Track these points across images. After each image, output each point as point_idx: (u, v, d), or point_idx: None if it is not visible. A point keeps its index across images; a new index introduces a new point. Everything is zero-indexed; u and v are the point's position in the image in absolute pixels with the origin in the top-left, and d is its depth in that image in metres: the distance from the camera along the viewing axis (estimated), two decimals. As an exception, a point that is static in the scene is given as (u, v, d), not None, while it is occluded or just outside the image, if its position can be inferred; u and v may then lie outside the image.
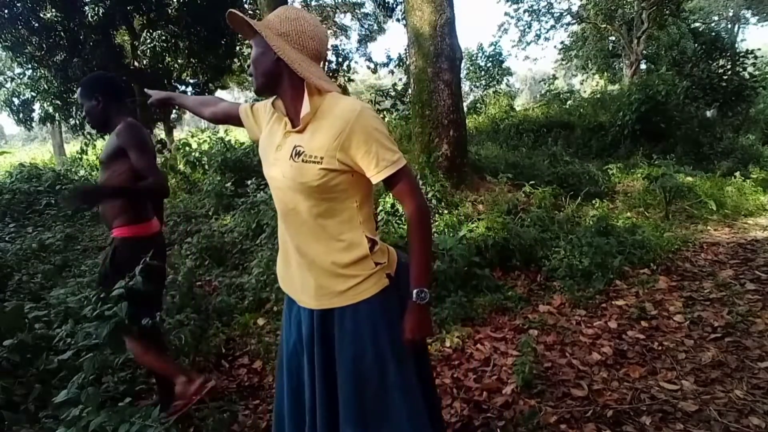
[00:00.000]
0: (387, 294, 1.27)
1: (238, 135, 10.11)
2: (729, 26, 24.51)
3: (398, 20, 15.26)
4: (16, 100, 13.01)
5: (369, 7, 18.39)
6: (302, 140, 1.20)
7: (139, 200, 2.09)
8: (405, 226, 4.28)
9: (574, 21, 19.99)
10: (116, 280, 1.87)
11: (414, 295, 1.22)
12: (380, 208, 4.48)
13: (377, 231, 4.19)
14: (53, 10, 10.40)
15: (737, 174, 6.43)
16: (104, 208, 2.09)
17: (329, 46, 1.42)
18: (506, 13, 20.56)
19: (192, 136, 8.44)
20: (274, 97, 1.32)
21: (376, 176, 1.18)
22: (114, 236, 2.07)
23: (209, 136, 8.19)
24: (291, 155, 1.19)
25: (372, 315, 1.25)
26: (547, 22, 20.36)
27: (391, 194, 4.58)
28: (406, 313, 1.25)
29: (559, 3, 24.69)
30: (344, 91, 16.69)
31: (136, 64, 12.15)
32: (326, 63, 16.00)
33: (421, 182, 4.73)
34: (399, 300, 1.30)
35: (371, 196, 1.31)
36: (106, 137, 2.18)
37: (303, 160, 1.17)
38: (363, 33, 19.22)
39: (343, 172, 1.18)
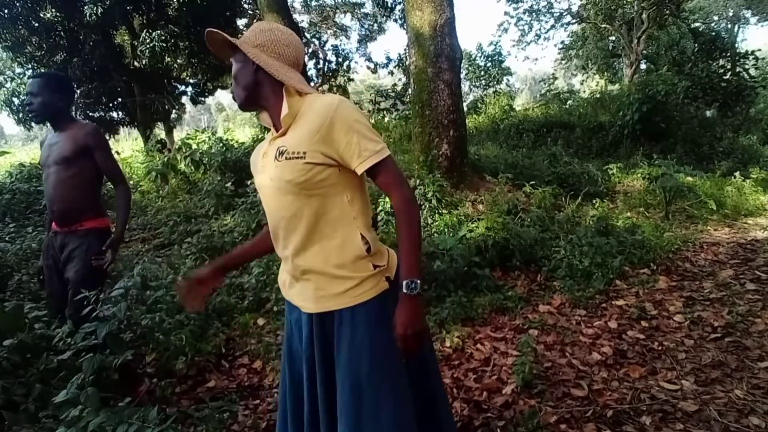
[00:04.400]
0: (386, 298, 1.25)
1: (238, 135, 10.11)
2: (729, 26, 24.50)
3: (397, 20, 15.25)
4: (16, 100, 13.01)
5: (369, 7, 18.39)
6: (285, 141, 1.22)
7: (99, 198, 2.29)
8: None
9: (574, 21, 20.00)
10: (99, 272, 2.10)
11: (404, 286, 1.18)
12: (380, 208, 4.48)
13: (377, 232, 4.18)
14: (53, 10, 10.41)
15: (737, 174, 6.42)
16: (68, 203, 2.16)
17: (308, 52, 1.39)
18: (506, 13, 20.65)
19: (191, 138, 8.41)
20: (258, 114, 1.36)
21: (359, 167, 1.18)
22: (86, 228, 2.19)
23: (209, 136, 8.18)
24: (275, 157, 1.22)
25: (370, 319, 1.23)
26: (547, 21, 20.39)
27: (388, 198, 4.60)
28: (397, 307, 1.20)
29: (559, 3, 24.76)
30: (344, 91, 16.70)
31: (135, 64, 12.16)
32: (325, 65, 15.99)
33: (420, 182, 4.73)
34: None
35: (364, 192, 1.29)
36: (47, 135, 2.28)
37: (286, 158, 1.19)
38: (363, 33, 19.22)
39: (329, 165, 1.19)
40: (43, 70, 2.41)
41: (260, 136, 8.31)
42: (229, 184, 5.67)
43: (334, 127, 1.16)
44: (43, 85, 2.14)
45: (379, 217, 4.46)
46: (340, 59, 16.50)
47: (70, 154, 2.14)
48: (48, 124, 2.25)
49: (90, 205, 2.23)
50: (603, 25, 17.75)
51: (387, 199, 4.52)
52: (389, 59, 16.65)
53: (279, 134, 1.24)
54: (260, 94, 1.26)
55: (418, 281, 1.18)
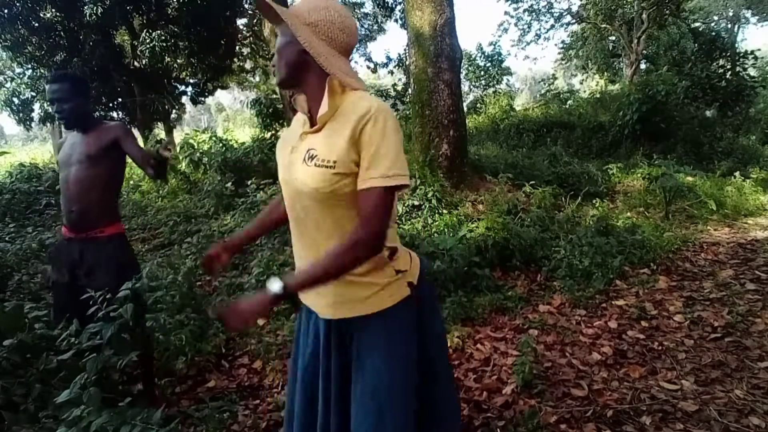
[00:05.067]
0: (408, 305, 1.20)
1: (237, 135, 10.10)
2: (729, 26, 24.49)
3: (397, 20, 15.25)
4: (16, 100, 13.01)
5: (369, 7, 18.40)
6: (317, 142, 1.11)
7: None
8: (405, 226, 4.28)
9: (574, 21, 19.99)
10: (126, 277, 1.96)
11: (275, 283, 1.08)
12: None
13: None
14: (53, 10, 10.41)
15: (737, 174, 6.43)
16: (88, 204, 2.07)
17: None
18: (506, 13, 20.63)
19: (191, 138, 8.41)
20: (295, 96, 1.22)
21: (361, 182, 1.05)
22: (107, 235, 2.10)
23: (209, 137, 8.18)
24: (304, 159, 1.11)
25: (391, 327, 1.17)
26: (547, 21, 20.38)
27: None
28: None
29: (559, 3, 24.75)
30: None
31: (135, 64, 12.16)
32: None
33: (420, 182, 4.72)
34: (418, 311, 1.23)
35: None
36: (66, 136, 2.22)
37: (316, 164, 1.08)
38: (363, 33, 19.20)
39: (357, 175, 1.08)
40: (62, 72, 2.24)
41: (260, 136, 8.29)
42: (229, 184, 5.67)
43: (365, 133, 1.04)
44: (73, 91, 2.06)
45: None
46: (340, 59, 16.48)
47: (95, 152, 2.07)
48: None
49: (109, 208, 2.14)
50: (603, 25, 17.75)
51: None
52: (389, 59, 16.65)
53: (312, 130, 1.13)
54: (303, 78, 1.14)
55: (288, 289, 1.08)
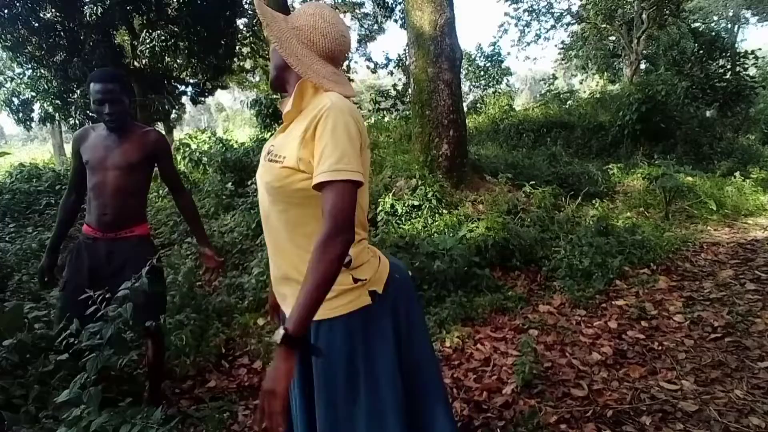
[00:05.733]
0: (370, 314, 1.16)
1: (237, 135, 10.10)
2: (729, 26, 24.48)
3: (397, 21, 15.26)
4: (16, 100, 13.02)
5: (369, 7, 18.38)
6: (278, 140, 1.16)
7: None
8: (405, 226, 4.28)
9: (574, 21, 19.99)
10: (154, 277, 1.90)
11: (276, 335, 1.00)
12: (380, 208, 4.48)
13: (377, 232, 4.17)
14: (53, 10, 10.41)
15: (737, 174, 6.44)
16: (124, 210, 2.00)
17: (350, 47, 1.32)
18: (506, 13, 20.65)
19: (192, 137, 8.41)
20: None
21: (314, 179, 1.03)
22: (137, 235, 2.05)
23: (209, 136, 8.18)
24: (265, 156, 1.17)
25: (348, 334, 1.14)
26: (546, 21, 20.39)
27: (389, 196, 4.61)
28: None
29: (559, 3, 24.74)
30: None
31: (135, 64, 12.15)
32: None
33: (420, 182, 4.72)
34: (392, 321, 1.20)
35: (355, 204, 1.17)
36: (87, 132, 2.06)
37: (269, 160, 1.14)
38: (363, 33, 19.21)
39: (310, 174, 1.06)
40: (110, 70, 2.06)
41: (260, 136, 8.29)
42: (229, 184, 5.67)
43: (316, 132, 1.05)
44: (123, 91, 1.95)
45: (379, 218, 4.45)
46: (339, 59, 16.48)
47: (137, 160, 1.99)
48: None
49: (140, 211, 2.11)
50: (603, 25, 17.74)
51: (387, 200, 4.52)
52: (389, 59, 16.66)
53: (280, 129, 1.18)
54: (286, 80, 1.19)
55: (289, 332, 0.98)
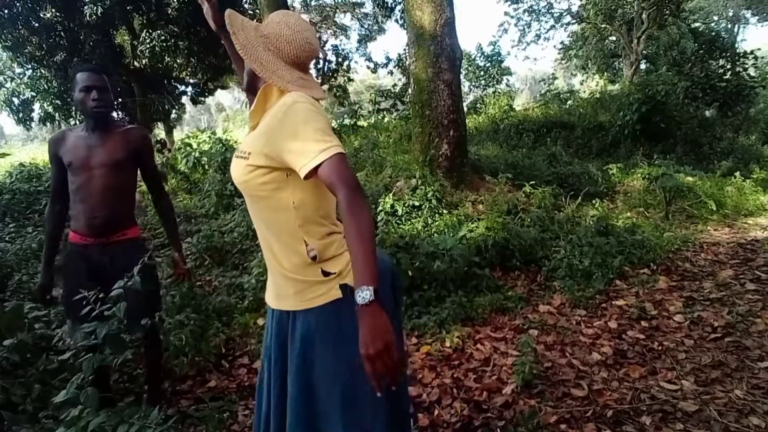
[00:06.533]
0: (342, 307, 1.17)
1: (237, 135, 10.10)
2: (729, 26, 24.50)
3: (397, 21, 15.25)
4: (16, 100, 13.01)
5: (369, 7, 18.38)
6: (247, 139, 1.25)
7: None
8: (405, 226, 4.28)
9: (574, 21, 19.98)
10: (152, 277, 1.95)
11: (357, 297, 0.97)
12: (380, 208, 4.48)
13: (376, 232, 4.16)
14: (53, 10, 10.42)
15: (737, 174, 6.43)
16: (116, 210, 1.96)
17: (319, 52, 1.31)
18: (506, 13, 20.57)
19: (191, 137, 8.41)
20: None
21: (302, 170, 1.06)
22: (129, 238, 2.02)
23: (209, 136, 8.19)
24: (236, 153, 1.25)
25: (321, 327, 1.18)
26: (547, 22, 20.38)
27: (389, 196, 4.60)
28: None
29: (559, 3, 24.74)
30: (344, 91, 16.70)
31: (135, 63, 12.16)
32: (325, 65, 15.99)
33: (420, 182, 4.72)
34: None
35: (321, 197, 1.20)
36: (63, 134, 2.00)
37: (236, 156, 1.22)
38: (363, 33, 19.22)
39: (274, 169, 1.14)
40: (95, 65, 2.03)
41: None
42: (229, 184, 5.67)
43: (281, 131, 1.10)
44: (109, 82, 1.91)
45: (379, 218, 4.45)
46: (339, 59, 16.48)
47: (123, 157, 1.95)
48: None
49: (131, 213, 2.08)
50: (603, 25, 17.73)
51: (387, 199, 4.52)
52: (389, 59, 16.65)
53: (250, 129, 1.27)
54: (257, 84, 1.26)
55: (371, 288, 0.96)
